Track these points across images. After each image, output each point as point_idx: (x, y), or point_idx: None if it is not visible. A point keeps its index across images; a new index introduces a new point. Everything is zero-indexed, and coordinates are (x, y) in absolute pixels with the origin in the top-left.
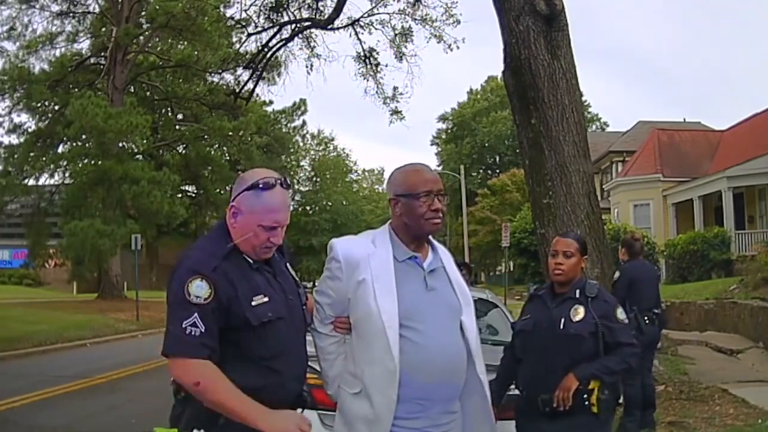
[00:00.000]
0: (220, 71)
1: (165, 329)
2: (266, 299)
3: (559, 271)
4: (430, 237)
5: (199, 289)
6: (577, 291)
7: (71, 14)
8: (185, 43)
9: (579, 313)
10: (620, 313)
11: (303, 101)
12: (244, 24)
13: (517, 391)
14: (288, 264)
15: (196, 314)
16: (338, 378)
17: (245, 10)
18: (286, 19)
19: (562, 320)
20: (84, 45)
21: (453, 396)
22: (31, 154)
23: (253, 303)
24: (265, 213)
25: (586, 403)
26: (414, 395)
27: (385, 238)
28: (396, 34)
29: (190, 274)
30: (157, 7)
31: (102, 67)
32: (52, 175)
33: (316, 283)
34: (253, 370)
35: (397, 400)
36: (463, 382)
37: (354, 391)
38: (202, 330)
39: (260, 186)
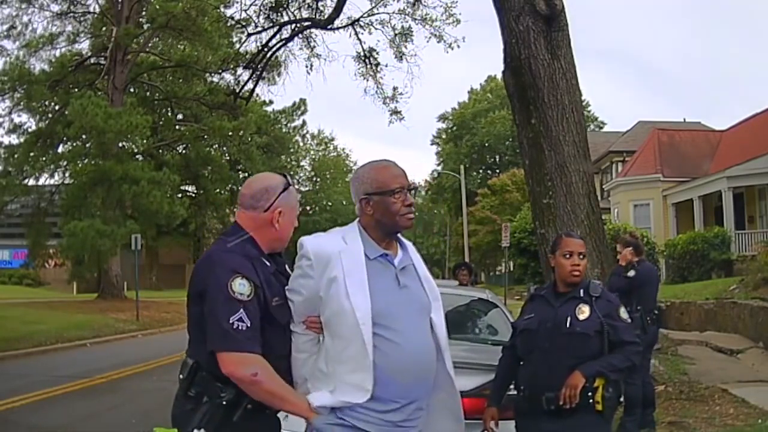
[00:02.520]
0: (220, 71)
1: (210, 326)
2: (282, 301)
3: (578, 272)
4: (399, 234)
5: (241, 287)
6: (581, 290)
7: (71, 14)
8: (185, 43)
9: (584, 311)
10: (623, 312)
11: (303, 101)
12: (244, 24)
13: (515, 391)
14: (287, 267)
15: (241, 310)
16: (309, 377)
17: (245, 10)
18: (286, 19)
19: (569, 319)
20: (84, 45)
21: (425, 395)
22: (31, 154)
23: (274, 303)
24: (296, 204)
25: (591, 401)
26: (391, 395)
27: (356, 235)
28: (396, 34)
29: (232, 274)
30: (158, 7)
31: (102, 67)
32: (52, 175)
33: None
34: (271, 365)
35: (371, 394)
36: (432, 382)
37: (327, 389)
38: (248, 325)
39: (288, 184)
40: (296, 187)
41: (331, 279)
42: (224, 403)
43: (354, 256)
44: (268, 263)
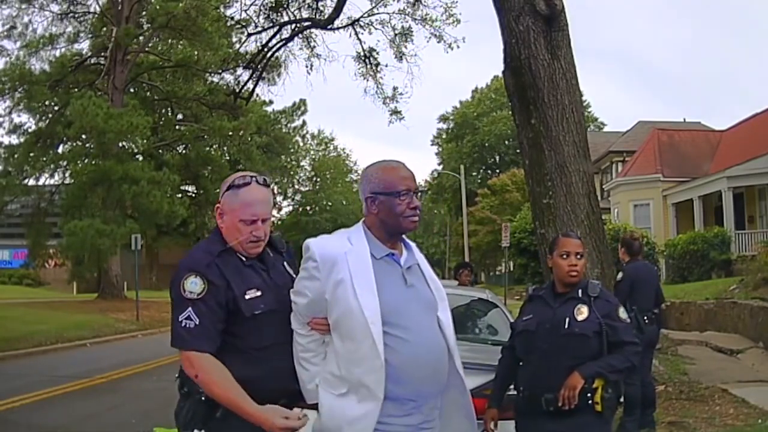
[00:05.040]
0: (220, 71)
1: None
2: (259, 293)
3: (575, 272)
4: (403, 235)
5: (193, 285)
6: (580, 291)
7: (71, 14)
8: (185, 43)
9: (583, 312)
10: (622, 313)
11: (303, 101)
12: (244, 24)
13: (515, 391)
14: (287, 263)
15: (189, 308)
16: (315, 377)
17: (245, 10)
18: (286, 19)
19: (567, 320)
20: (84, 45)
21: (440, 392)
22: (31, 154)
23: (247, 297)
24: (243, 208)
25: (590, 402)
26: (406, 393)
27: (361, 235)
28: (396, 34)
29: (186, 272)
30: (158, 7)
31: (102, 67)
32: (52, 175)
33: None
34: (246, 361)
35: (384, 397)
36: (446, 378)
37: (339, 392)
38: (196, 323)
39: (236, 184)
40: (297, 187)
41: (338, 281)
42: (203, 399)
43: (360, 257)
44: (243, 258)
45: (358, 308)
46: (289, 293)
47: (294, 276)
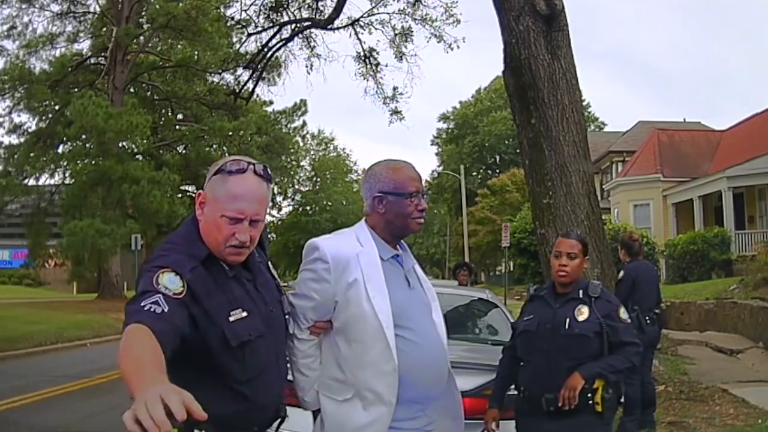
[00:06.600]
0: (220, 71)
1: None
2: (245, 314)
3: (564, 272)
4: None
5: (170, 282)
6: (580, 291)
7: (71, 14)
8: (185, 43)
9: (583, 312)
10: (623, 313)
11: (303, 102)
12: (244, 24)
13: (515, 391)
14: (270, 263)
15: (159, 296)
16: (315, 382)
17: (245, 10)
18: (286, 19)
19: (567, 320)
20: (84, 45)
21: (441, 393)
22: (31, 154)
23: (231, 318)
24: (228, 201)
25: (590, 402)
26: (414, 396)
27: (367, 236)
28: (396, 34)
29: (158, 270)
30: (158, 7)
31: (102, 67)
32: (52, 175)
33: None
34: (224, 395)
35: (396, 402)
36: (447, 379)
37: (343, 398)
38: (164, 309)
39: (227, 169)
40: (297, 187)
41: (350, 283)
42: None
43: (371, 258)
44: (226, 266)
45: (372, 312)
46: (278, 309)
47: (278, 280)
